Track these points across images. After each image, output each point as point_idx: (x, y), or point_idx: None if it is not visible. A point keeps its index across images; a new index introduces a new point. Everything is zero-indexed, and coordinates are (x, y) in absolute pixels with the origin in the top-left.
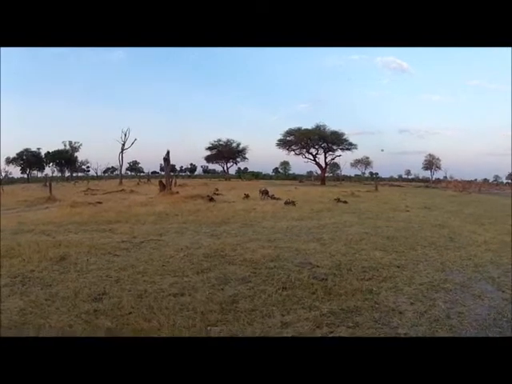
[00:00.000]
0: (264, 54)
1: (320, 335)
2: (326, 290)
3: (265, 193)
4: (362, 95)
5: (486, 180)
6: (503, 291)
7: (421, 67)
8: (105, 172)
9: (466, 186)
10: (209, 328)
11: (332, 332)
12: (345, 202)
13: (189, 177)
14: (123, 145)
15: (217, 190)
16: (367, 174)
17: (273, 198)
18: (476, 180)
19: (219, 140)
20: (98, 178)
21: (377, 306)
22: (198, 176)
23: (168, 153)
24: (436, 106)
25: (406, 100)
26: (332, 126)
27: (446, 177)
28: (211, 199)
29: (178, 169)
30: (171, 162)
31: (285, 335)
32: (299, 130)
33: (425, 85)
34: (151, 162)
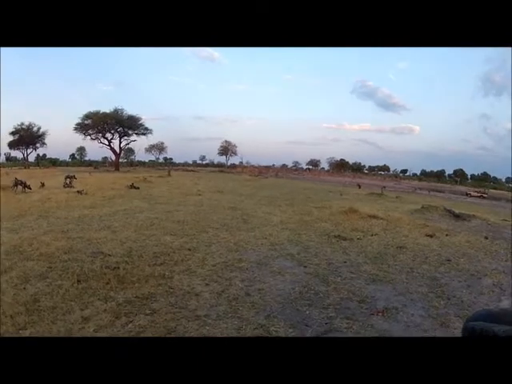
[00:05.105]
0: None
1: (119, 325)
2: (119, 278)
3: (71, 178)
4: (165, 81)
5: (284, 166)
6: (305, 266)
7: (233, 59)
8: None
9: (262, 170)
10: (20, 332)
11: (131, 321)
12: (137, 188)
13: None
14: None
15: (16, 179)
16: (161, 160)
17: (67, 186)
18: (274, 165)
19: (22, 124)
20: None
21: (171, 290)
22: (1, 164)
23: None
24: (240, 96)
25: (210, 88)
26: (132, 110)
27: (241, 162)
28: (27, 186)
29: None
30: None
31: (87, 330)
32: (98, 113)
33: (233, 75)
34: None
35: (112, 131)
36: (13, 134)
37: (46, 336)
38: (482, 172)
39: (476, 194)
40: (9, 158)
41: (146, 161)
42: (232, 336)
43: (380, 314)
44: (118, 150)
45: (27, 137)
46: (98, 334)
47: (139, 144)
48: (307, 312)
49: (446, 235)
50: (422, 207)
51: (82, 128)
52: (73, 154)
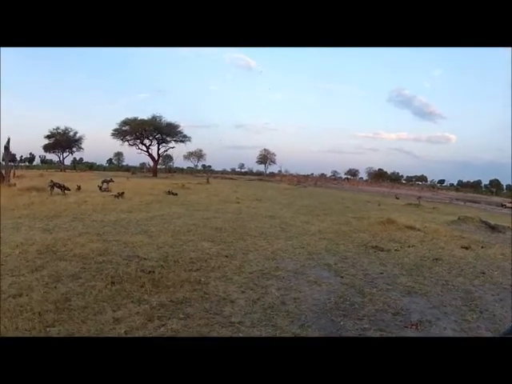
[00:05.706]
0: None
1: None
2: (154, 282)
3: (108, 182)
4: (203, 89)
5: (323, 175)
6: (342, 276)
7: (270, 67)
8: None
9: (301, 179)
10: (48, 329)
11: (164, 325)
12: (175, 194)
13: (27, 167)
14: None
15: (52, 181)
16: (200, 167)
17: (104, 190)
18: (313, 174)
19: (58, 128)
20: None
21: (207, 296)
22: (36, 167)
23: (8, 141)
24: (278, 104)
25: (249, 97)
26: (170, 117)
27: (280, 171)
28: (66, 188)
29: (18, 158)
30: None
31: (118, 331)
32: (135, 120)
33: (270, 83)
34: None
35: (150, 138)
36: (48, 137)
37: (46, 336)
38: None
39: (511, 205)
40: (44, 161)
41: (185, 168)
42: (231, 336)
43: (413, 326)
44: (156, 157)
45: (63, 141)
46: (131, 335)
47: (178, 151)
48: (342, 323)
49: (482, 247)
50: (459, 218)
51: (119, 134)
52: (110, 159)
